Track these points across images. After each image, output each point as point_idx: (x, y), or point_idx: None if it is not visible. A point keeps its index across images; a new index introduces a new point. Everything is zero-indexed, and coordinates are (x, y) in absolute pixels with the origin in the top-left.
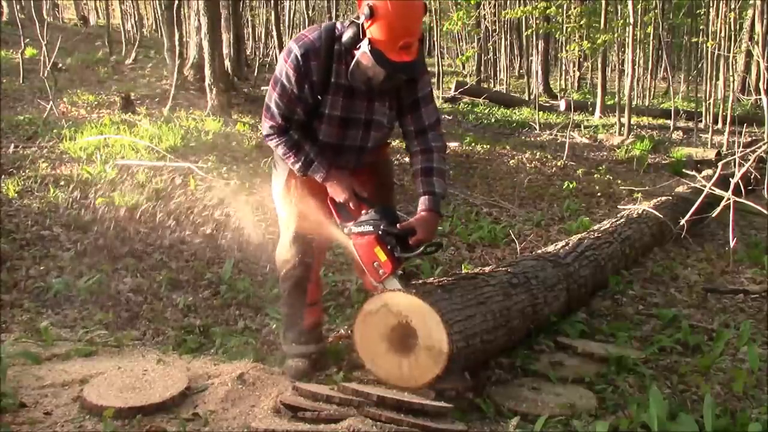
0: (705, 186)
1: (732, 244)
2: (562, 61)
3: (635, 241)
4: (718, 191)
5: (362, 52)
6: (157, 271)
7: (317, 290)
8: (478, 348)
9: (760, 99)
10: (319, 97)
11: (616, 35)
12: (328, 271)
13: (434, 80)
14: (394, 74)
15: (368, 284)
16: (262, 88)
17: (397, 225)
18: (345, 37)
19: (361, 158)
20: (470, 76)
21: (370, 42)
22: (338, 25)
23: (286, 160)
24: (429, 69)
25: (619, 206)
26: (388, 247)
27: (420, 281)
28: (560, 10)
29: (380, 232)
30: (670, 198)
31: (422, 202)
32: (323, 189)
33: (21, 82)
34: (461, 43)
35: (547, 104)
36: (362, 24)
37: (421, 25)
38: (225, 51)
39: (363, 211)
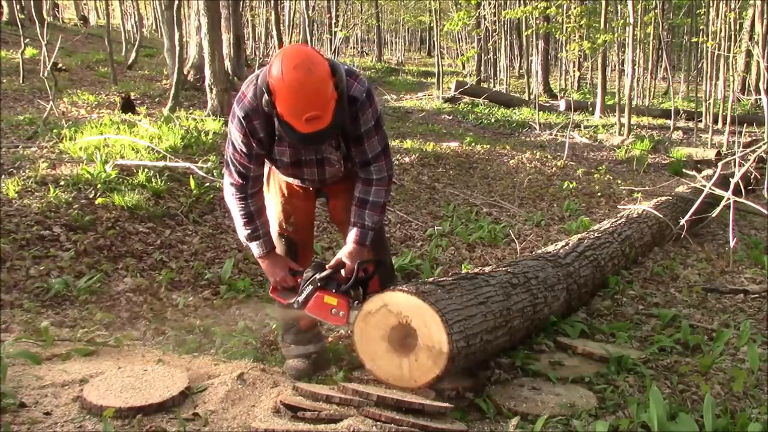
0: (705, 186)
1: (732, 244)
2: (562, 61)
3: (635, 241)
4: (718, 191)
5: (277, 124)
6: (157, 271)
7: None
8: (478, 348)
9: (760, 99)
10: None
11: (616, 35)
12: None
13: (434, 80)
14: (306, 145)
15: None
16: None
17: (326, 267)
18: (263, 100)
19: (325, 182)
20: (470, 76)
21: (278, 115)
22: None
23: (235, 221)
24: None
25: (619, 206)
26: (333, 290)
27: (420, 281)
28: (560, 10)
29: (319, 284)
30: (670, 198)
31: (350, 234)
32: (303, 195)
33: (21, 82)
34: (461, 43)
35: (547, 104)
36: (271, 96)
37: (326, 94)
38: (225, 51)
39: (299, 281)
